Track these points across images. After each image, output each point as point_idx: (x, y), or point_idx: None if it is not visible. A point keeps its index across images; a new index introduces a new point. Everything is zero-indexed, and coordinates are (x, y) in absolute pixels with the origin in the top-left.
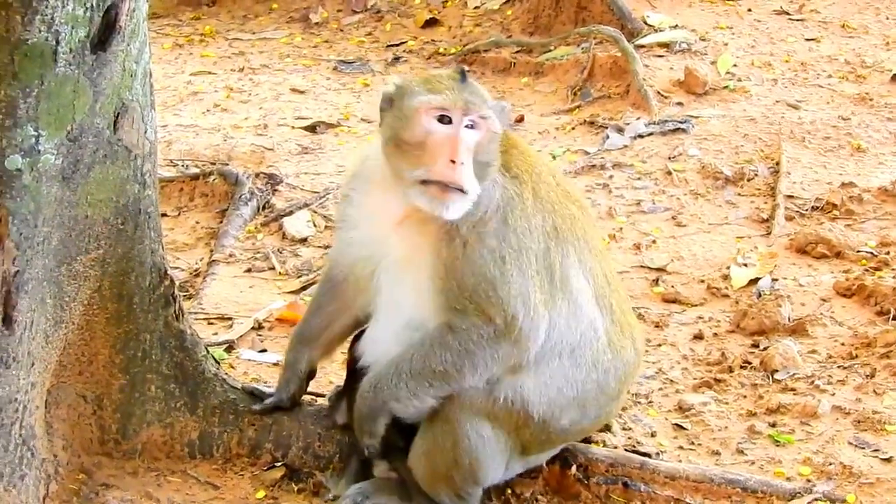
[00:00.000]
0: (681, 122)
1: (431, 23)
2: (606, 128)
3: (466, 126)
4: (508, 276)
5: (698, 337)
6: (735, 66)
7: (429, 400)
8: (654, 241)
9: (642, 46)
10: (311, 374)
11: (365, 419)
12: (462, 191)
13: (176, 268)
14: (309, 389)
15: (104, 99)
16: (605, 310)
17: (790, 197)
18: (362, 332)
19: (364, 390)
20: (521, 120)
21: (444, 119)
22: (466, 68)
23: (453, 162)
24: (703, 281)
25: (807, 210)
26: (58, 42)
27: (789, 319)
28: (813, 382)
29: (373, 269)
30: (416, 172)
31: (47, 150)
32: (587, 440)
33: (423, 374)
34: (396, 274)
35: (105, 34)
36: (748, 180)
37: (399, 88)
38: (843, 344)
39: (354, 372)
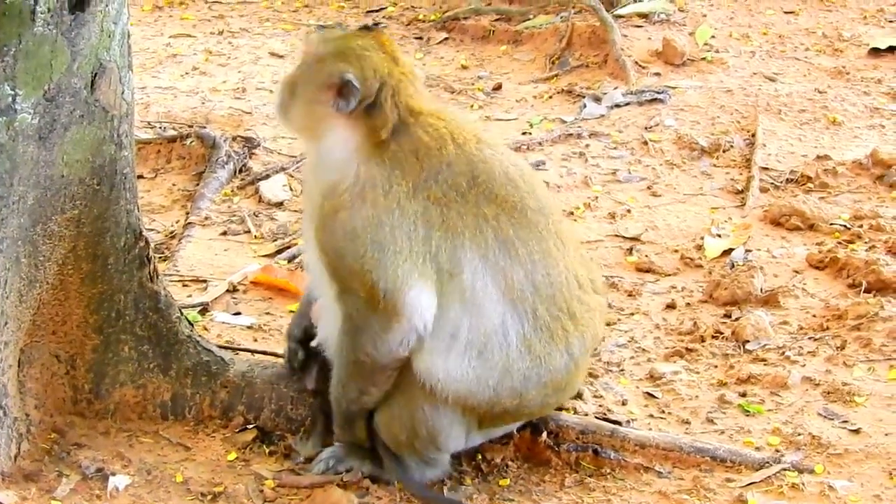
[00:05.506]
0: (658, 93)
1: None
2: (584, 97)
3: None
4: (361, 249)
5: (671, 306)
6: (713, 37)
7: (382, 385)
8: (628, 211)
9: (621, 16)
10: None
11: (344, 427)
12: None
13: (151, 230)
14: (276, 350)
15: (82, 59)
16: (523, 315)
17: (765, 169)
18: None
19: (333, 405)
20: (499, 88)
21: None
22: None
23: None
24: (676, 251)
25: (781, 182)
26: (36, 1)
27: (762, 290)
28: (784, 353)
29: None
30: None
31: (24, 110)
32: (559, 408)
33: (352, 369)
34: (308, 250)
35: None
36: (724, 151)
37: None
38: (814, 316)
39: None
